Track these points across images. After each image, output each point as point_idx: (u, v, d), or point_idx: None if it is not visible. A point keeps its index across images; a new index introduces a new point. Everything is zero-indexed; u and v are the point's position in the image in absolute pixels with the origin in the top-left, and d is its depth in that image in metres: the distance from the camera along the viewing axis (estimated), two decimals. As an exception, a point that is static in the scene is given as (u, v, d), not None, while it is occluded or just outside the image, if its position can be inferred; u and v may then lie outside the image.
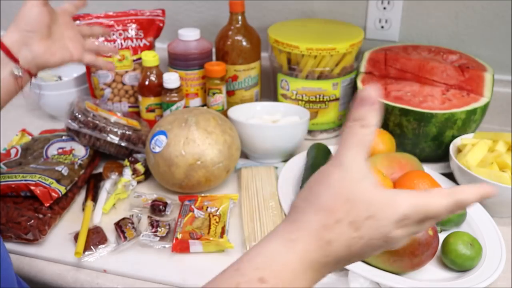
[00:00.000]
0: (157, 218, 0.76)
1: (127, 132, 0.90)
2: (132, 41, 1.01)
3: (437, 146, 0.87)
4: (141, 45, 1.02)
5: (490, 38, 1.01)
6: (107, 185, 0.84)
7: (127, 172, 0.86)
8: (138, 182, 0.87)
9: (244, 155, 0.95)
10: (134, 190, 0.84)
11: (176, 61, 1.00)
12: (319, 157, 0.83)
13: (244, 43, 0.99)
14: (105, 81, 1.01)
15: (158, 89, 0.97)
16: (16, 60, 0.66)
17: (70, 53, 0.73)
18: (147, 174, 0.88)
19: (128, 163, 0.87)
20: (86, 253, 0.70)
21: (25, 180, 0.75)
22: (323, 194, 0.39)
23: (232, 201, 0.80)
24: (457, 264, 0.66)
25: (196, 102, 1.03)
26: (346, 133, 0.41)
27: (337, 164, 0.40)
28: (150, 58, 0.96)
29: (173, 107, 0.95)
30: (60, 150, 0.87)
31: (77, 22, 0.99)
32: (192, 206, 0.78)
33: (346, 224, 0.37)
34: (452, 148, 0.83)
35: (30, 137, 0.94)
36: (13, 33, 0.67)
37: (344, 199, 0.38)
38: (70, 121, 0.88)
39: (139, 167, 0.87)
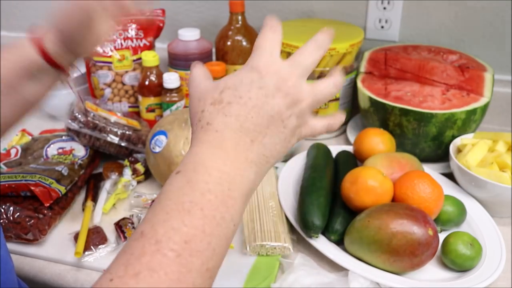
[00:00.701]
0: (157, 218, 0.76)
1: (127, 132, 0.90)
2: (132, 41, 1.01)
3: (437, 146, 0.87)
4: (141, 45, 1.02)
5: (490, 38, 1.01)
6: (107, 185, 0.84)
7: (127, 172, 0.86)
8: (138, 182, 0.87)
9: (244, 155, 0.95)
10: (134, 190, 0.84)
11: (176, 61, 1.00)
12: (319, 157, 0.83)
13: (244, 43, 0.99)
14: (105, 81, 1.01)
15: (158, 89, 0.97)
16: (61, 68, 0.59)
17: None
18: (147, 174, 0.88)
19: (128, 163, 0.87)
20: (86, 253, 0.70)
21: (25, 180, 0.75)
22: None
23: (232, 201, 0.80)
24: (457, 264, 0.66)
25: (196, 102, 1.02)
26: (259, 38, 0.46)
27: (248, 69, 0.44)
28: (150, 58, 0.96)
29: (173, 107, 0.95)
30: (60, 150, 0.87)
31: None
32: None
33: (208, 106, 0.43)
34: (452, 148, 0.83)
35: (30, 137, 0.95)
36: (52, 38, 0.57)
37: (197, 99, 0.45)
38: (70, 121, 0.88)
39: (139, 167, 0.87)
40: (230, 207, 0.39)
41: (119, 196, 0.82)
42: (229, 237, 0.39)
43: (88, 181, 0.87)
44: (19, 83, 0.57)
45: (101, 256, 0.71)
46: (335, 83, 0.46)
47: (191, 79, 0.46)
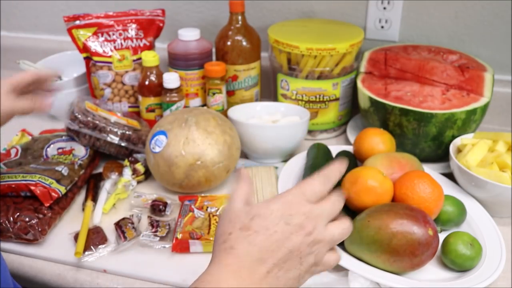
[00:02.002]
0: (157, 218, 0.76)
1: (127, 132, 0.90)
2: (132, 41, 1.01)
3: (437, 146, 0.87)
4: (141, 45, 1.02)
5: (490, 38, 1.01)
6: (107, 185, 0.84)
7: (127, 172, 0.86)
8: (138, 182, 0.87)
9: (244, 155, 0.95)
10: (134, 190, 0.84)
11: (176, 61, 1.00)
12: (319, 157, 0.83)
13: (244, 43, 0.99)
14: (105, 81, 1.01)
15: (158, 89, 0.97)
16: None
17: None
18: (147, 174, 0.88)
19: (128, 163, 0.87)
20: (86, 253, 0.70)
21: (25, 180, 0.75)
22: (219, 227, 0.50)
23: (232, 201, 0.80)
24: (457, 264, 0.66)
25: (196, 102, 1.03)
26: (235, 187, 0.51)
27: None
28: (150, 58, 0.96)
29: (173, 107, 0.95)
30: (60, 150, 0.87)
31: (77, 22, 0.99)
32: (192, 206, 0.78)
33: (237, 230, 0.46)
34: (452, 148, 0.83)
35: (30, 137, 0.95)
36: None
37: (228, 220, 0.48)
38: (70, 121, 0.88)
39: (139, 167, 0.87)
40: None
41: (119, 196, 0.82)
42: None
43: (88, 181, 0.87)
44: None
45: (101, 256, 0.71)
46: (348, 226, 0.52)
47: (231, 198, 0.50)
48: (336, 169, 0.51)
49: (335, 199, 0.50)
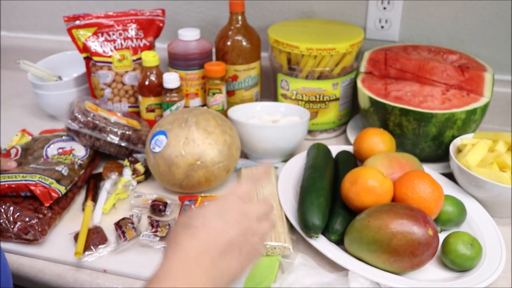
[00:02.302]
0: (157, 218, 0.76)
1: (127, 132, 0.90)
2: (132, 41, 1.01)
3: (437, 146, 0.87)
4: (141, 45, 1.02)
5: (490, 38, 1.01)
6: (107, 185, 0.84)
7: (127, 172, 0.86)
8: (138, 182, 0.87)
9: (244, 155, 0.95)
10: (134, 190, 0.84)
11: (176, 61, 1.00)
12: (319, 157, 0.83)
13: (244, 43, 0.99)
14: (105, 81, 1.01)
15: (158, 89, 0.97)
16: None
17: None
18: (147, 174, 0.88)
19: (128, 163, 0.87)
20: (86, 253, 0.70)
21: (25, 180, 0.75)
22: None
23: (232, 201, 0.80)
24: (457, 264, 0.66)
25: (196, 102, 1.03)
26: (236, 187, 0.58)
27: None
28: (150, 58, 0.96)
29: (173, 107, 0.95)
30: (60, 150, 0.87)
31: (77, 22, 0.99)
32: (192, 206, 0.78)
33: (181, 230, 0.52)
34: (452, 148, 0.83)
35: (30, 137, 0.95)
36: None
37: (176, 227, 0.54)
38: (70, 121, 0.88)
39: (139, 167, 0.87)
40: None
41: (119, 196, 0.82)
42: None
43: (88, 181, 0.87)
44: None
45: (101, 256, 0.71)
46: (272, 222, 0.59)
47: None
48: (261, 173, 0.61)
49: (265, 201, 0.60)
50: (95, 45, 1.00)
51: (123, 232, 0.73)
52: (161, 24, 1.04)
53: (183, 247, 0.50)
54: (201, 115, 0.83)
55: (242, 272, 0.53)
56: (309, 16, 1.12)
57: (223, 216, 0.53)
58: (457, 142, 0.85)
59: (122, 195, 0.82)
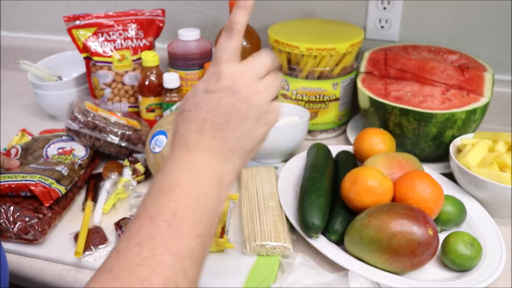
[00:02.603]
0: (157, 218, 0.76)
1: (127, 132, 0.90)
2: (132, 41, 1.01)
3: (437, 146, 0.87)
4: (141, 45, 1.02)
5: (490, 38, 1.01)
6: (107, 185, 0.84)
7: (127, 172, 0.86)
8: (138, 182, 0.87)
9: (244, 155, 0.95)
10: (134, 190, 0.84)
11: (176, 61, 1.00)
12: (319, 157, 0.83)
13: (244, 43, 0.99)
14: (105, 81, 1.01)
15: (158, 89, 0.97)
16: None
17: None
18: (147, 174, 0.88)
19: (128, 163, 0.87)
20: (86, 253, 0.70)
21: (25, 180, 0.75)
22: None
23: (232, 201, 0.80)
24: (457, 264, 0.66)
25: (196, 102, 1.02)
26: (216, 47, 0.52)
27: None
28: (150, 58, 0.96)
29: (173, 107, 0.95)
30: (60, 150, 0.87)
31: (77, 22, 0.99)
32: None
33: (176, 118, 0.50)
34: (452, 148, 0.83)
35: (30, 137, 0.95)
36: None
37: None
38: (70, 121, 0.88)
39: (139, 167, 0.87)
40: (204, 184, 0.46)
41: (119, 196, 0.82)
42: (210, 210, 0.46)
43: (88, 181, 0.87)
44: None
45: (101, 256, 0.71)
46: (278, 76, 0.53)
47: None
48: (234, 15, 0.52)
49: (261, 55, 0.52)
50: (95, 45, 1.00)
51: (123, 232, 0.72)
52: (161, 24, 1.04)
53: (179, 133, 0.49)
54: (201, 115, 0.83)
55: (255, 139, 0.50)
56: (309, 16, 1.12)
57: (211, 88, 0.49)
58: (457, 142, 0.85)
59: (122, 195, 0.82)
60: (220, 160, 0.48)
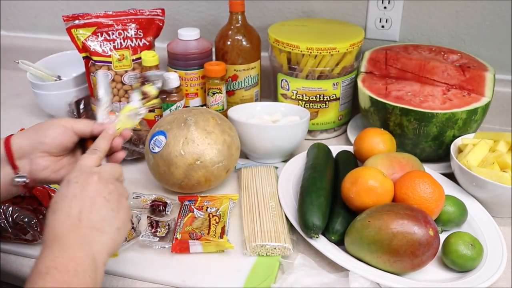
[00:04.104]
0: (157, 219, 0.75)
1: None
2: (132, 40, 1.01)
3: (437, 146, 0.87)
4: (141, 44, 1.01)
5: (491, 37, 1.01)
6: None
7: (135, 97, 0.72)
8: (151, 110, 0.74)
9: (244, 155, 0.95)
10: (133, 192, 0.83)
11: (176, 61, 1.00)
12: (319, 157, 0.83)
13: (244, 43, 0.99)
14: (104, 81, 1.01)
15: (158, 89, 0.97)
16: (14, 167, 0.62)
17: None
18: (164, 97, 0.75)
19: (138, 84, 0.73)
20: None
21: (24, 180, 0.75)
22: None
23: (232, 201, 0.80)
24: (458, 264, 0.66)
25: (196, 102, 1.02)
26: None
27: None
28: (149, 58, 0.96)
29: (173, 107, 0.95)
30: (60, 150, 0.87)
31: (76, 21, 0.99)
32: (192, 206, 0.77)
33: (65, 185, 0.56)
34: (452, 148, 0.83)
35: (29, 137, 0.94)
36: (24, 138, 0.63)
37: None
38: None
39: (149, 88, 0.71)
40: (78, 262, 0.50)
41: (121, 126, 0.69)
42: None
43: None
44: None
45: (101, 257, 0.70)
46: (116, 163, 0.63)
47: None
48: (98, 141, 0.64)
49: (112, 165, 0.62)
50: (94, 44, 0.99)
51: (123, 233, 0.72)
52: (160, 24, 1.04)
53: (49, 224, 0.52)
54: (200, 115, 0.83)
55: (119, 218, 0.56)
56: (309, 16, 1.11)
57: (75, 179, 0.56)
58: (458, 142, 0.85)
59: (125, 124, 0.69)
60: (90, 240, 0.52)
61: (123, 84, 1.02)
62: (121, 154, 0.68)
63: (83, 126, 0.66)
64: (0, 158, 0.62)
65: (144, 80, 0.74)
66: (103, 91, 0.71)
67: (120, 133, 0.68)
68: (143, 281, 0.67)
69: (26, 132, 0.65)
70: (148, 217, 0.76)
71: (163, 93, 0.95)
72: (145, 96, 0.73)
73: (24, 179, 0.63)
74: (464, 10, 1.00)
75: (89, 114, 0.90)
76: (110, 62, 1.00)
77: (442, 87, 0.90)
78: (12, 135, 0.64)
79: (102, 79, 0.73)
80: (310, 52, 0.92)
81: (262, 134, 0.89)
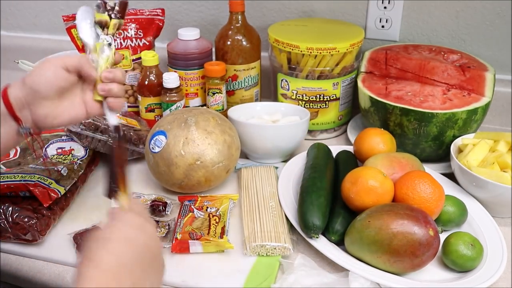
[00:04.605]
0: (157, 219, 0.75)
1: (128, 133, 0.90)
2: (132, 40, 1.01)
3: (437, 146, 0.87)
4: (141, 44, 1.02)
5: (491, 37, 1.01)
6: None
7: (97, 32, 0.65)
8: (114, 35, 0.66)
9: (244, 155, 0.95)
10: (133, 192, 0.82)
11: (176, 60, 1.00)
12: (319, 157, 0.83)
13: (244, 43, 0.99)
14: (104, 80, 1.01)
15: (158, 89, 0.97)
16: (17, 119, 0.60)
17: (82, 111, 0.64)
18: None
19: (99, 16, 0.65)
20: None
21: (24, 180, 0.75)
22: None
23: (232, 201, 0.80)
24: (458, 264, 0.66)
25: (196, 102, 1.02)
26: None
27: None
28: (149, 58, 0.96)
29: (173, 107, 0.95)
30: (60, 150, 0.87)
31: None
32: (192, 206, 0.77)
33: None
34: (453, 148, 0.83)
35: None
36: (19, 88, 0.60)
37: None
38: (70, 121, 0.87)
39: (101, 16, 0.65)
40: None
41: (102, 67, 0.64)
42: None
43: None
44: None
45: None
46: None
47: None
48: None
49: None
50: (94, 44, 0.99)
51: (123, 233, 0.72)
52: (160, 24, 1.04)
53: (98, 263, 0.46)
54: (200, 115, 0.83)
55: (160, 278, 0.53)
56: (309, 16, 1.11)
57: (131, 228, 0.51)
58: (458, 142, 0.85)
59: (105, 64, 0.64)
60: None
61: (123, 84, 1.02)
62: (118, 101, 0.63)
63: (75, 60, 0.61)
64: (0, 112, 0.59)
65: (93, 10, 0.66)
66: (87, 33, 0.65)
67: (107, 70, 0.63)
68: (143, 281, 0.67)
69: (21, 82, 0.60)
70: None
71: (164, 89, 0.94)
72: (102, 25, 0.66)
73: (29, 130, 0.60)
74: (464, 10, 1.00)
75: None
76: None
77: (442, 87, 0.90)
78: (8, 86, 0.60)
79: (82, 16, 0.65)
80: (310, 52, 0.92)
81: (262, 134, 0.89)
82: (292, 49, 0.93)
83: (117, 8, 0.67)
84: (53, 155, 0.86)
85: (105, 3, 0.66)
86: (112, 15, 0.66)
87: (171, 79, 0.93)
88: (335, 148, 0.89)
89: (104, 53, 0.65)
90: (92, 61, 0.64)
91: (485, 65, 0.93)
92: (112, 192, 0.56)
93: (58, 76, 0.60)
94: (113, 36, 0.66)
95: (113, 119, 0.63)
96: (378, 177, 0.70)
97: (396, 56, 0.96)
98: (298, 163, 0.88)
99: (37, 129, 0.62)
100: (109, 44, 0.66)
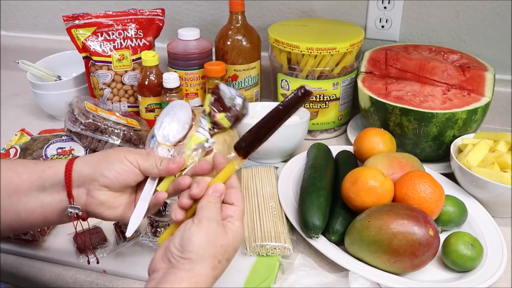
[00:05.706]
0: (157, 218, 0.75)
1: (128, 133, 0.90)
2: (132, 40, 1.01)
3: (437, 146, 0.87)
4: (141, 44, 1.02)
5: (491, 37, 1.01)
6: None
7: (204, 124, 0.60)
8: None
9: (244, 155, 0.94)
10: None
11: (176, 60, 1.00)
12: (319, 157, 0.83)
13: (244, 43, 0.99)
14: (104, 80, 1.01)
15: (158, 89, 0.97)
16: (70, 195, 0.56)
17: (131, 210, 0.60)
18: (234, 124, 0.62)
19: (208, 109, 0.60)
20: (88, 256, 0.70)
21: (24, 180, 0.75)
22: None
23: (232, 201, 0.79)
24: (458, 264, 0.66)
25: (196, 102, 1.02)
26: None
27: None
28: (149, 58, 0.96)
29: (173, 107, 0.94)
30: (60, 150, 0.87)
31: (76, 21, 0.99)
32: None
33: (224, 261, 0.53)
34: (453, 148, 0.83)
35: (29, 137, 0.94)
36: (86, 166, 0.57)
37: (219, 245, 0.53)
38: (71, 123, 0.87)
39: (223, 121, 0.59)
40: None
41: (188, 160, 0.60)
42: None
43: None
44: (27, 190, 0.56)
45: (101, 257, 0.70)
46: None
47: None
48: None
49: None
50: (94, 44, 1.00)
51: (122, 233, 0.72)
52: (160, 24, 1.04)
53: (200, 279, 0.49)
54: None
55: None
56: (309, 16, 1.11)
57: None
58: (458, 142, 0.85)
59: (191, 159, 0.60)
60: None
61: (123, 84, 1.02)
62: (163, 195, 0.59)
63: (150, 166, 0.58)
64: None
65: (220, 105, 0.60)
66: (177, 127, 0.62)
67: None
68: (143, 281, 0.67)
69: (90, 159, 0.58)
70: (148, 217, 0.76)
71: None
72: (215, 127, 0.61)
73: (76, 211, 0.57)
74: (464, 10, 1.00)
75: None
76: (110, 62, 1.00)
77: (442, 87, 0.90)
78: (75, 158, 0.58)
79: (170, 111, 0.62)
80: (310, 52, 0.92)
81: (262, 134, 0.88)
82: (292, 49, 0.93)
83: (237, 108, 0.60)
84: (53, 155, 0.86)
85: (231, 110, 0.60)
86: (228, 126, 0.61)
87: (171, 79, 0.93)
88: (335, 148, 0.89)
89: (196, 152, 0.60)
90: (157, 153, 0.61)
91: (485, 65, 0.93)
92: None
93: (132, 175, 0.58)
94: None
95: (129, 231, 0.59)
96: (378, 177, 0.70)
97: (396, 56, 0.96)
98: (298, 163, 0.88)
99: (85, 214, 0.58)
100: (206, 148, 0.61)
